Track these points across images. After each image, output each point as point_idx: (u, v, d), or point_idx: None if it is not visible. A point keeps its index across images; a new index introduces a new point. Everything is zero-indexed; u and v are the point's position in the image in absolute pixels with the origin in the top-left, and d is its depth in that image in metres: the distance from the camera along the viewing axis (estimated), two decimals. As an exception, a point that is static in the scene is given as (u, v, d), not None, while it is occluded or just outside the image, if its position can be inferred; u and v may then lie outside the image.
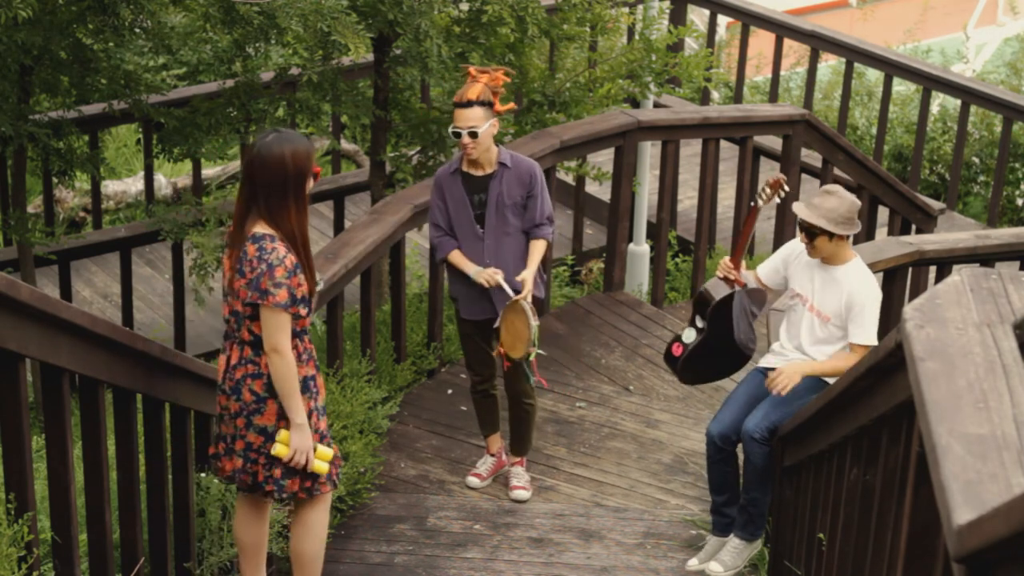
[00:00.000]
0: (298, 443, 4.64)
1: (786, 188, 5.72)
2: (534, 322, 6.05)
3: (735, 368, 6.09)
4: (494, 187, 6.11)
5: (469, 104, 5.92)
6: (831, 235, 5.40)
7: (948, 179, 10.91)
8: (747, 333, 5.91)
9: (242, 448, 4.73)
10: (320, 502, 4.90)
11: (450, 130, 6.03)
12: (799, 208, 5.48)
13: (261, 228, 4.57)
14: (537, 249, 6.22)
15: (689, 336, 5.95)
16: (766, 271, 5.85)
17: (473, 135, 5.95)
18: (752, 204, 5.72)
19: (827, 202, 5.41)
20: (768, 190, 5.69)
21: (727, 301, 5.79)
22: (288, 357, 4.57)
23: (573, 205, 9.10)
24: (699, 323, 5.89)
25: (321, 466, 4.73)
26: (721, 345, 5.88)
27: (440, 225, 6.20)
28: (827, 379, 5.59)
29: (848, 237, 5.46)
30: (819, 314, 5.57)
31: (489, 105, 5.96)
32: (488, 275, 6.10)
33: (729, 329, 5.83)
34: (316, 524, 4.93)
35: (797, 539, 5.34)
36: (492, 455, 6.63)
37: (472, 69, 6.05)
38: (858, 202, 5.50)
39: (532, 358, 6.17)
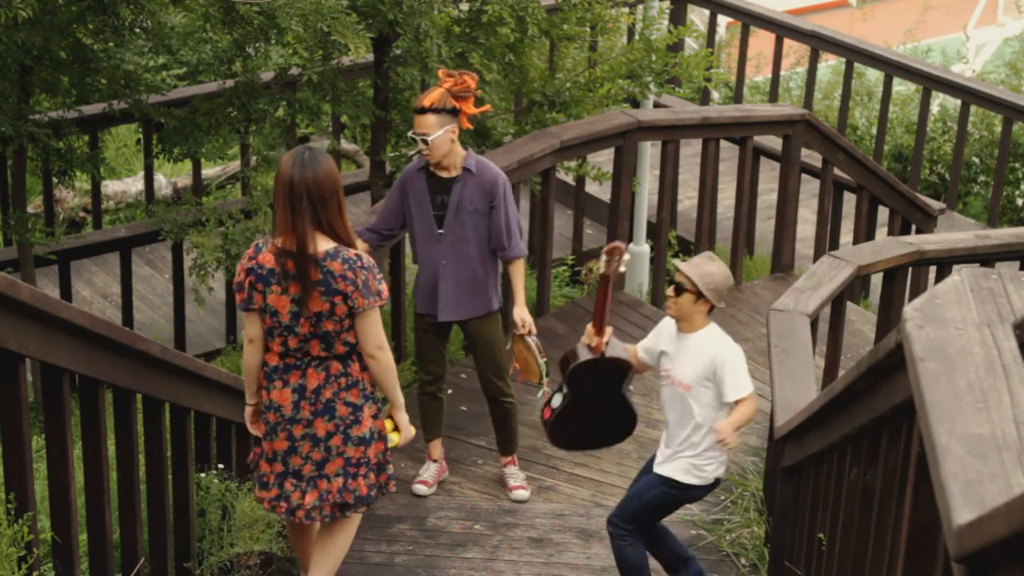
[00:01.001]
0: (405, 421, 4.95)
1: (626, 256, 5.57)
2: (542, 359, 6.15)
3: (617, 438, 5.88)
4: (456, 191, 6.14)
5: (423, 111, 6.00)
6: (697, 296, 5.25)
7: (948, 179, 10.91)
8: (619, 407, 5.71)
9: (340, 466, 4.78)
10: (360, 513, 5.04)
11: (409, 135, 6.15)
12: (681, 263, 5.38)
13: (326, 243, 4.64)
14: (518, 274, 6.30)
15: (556, 401, 5.75)
16: (644, 345, 5.62)
17: (425, 142, 6.01)
18: (597, 274, 5.57)
19: (707, 265, 5.28)
20: (605, 257, 5.55)
21: (588, 366, 5.57)
22: (389, 349, 4.80)
23: (573, 205, 9.10)
24: (564, 388, 5.70)
25: (411, 430, 5.04)
26: (587, 411, 5.67)
27: (379, 213, 6.32)
28: (669, 473, 5.40)
29: (707, 307, 5.29)
30: (679, 383, 5.37)
31: (448, 112, 6.00)
32: None
33: (592, 394, 5.63)
34: (355, 521, 5.06)
35: (797, 539, 5.34)
36: (434, 461, 6.61)
37: (441, 72, 6.09)
38: (731, 281, 5.35)
39: (542, 393, 6.19)
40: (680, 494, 5.39)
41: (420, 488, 6.51)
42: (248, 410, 4.96)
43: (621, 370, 5.64)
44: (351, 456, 4.79)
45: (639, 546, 5.46)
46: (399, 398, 4.90)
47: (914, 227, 9.19)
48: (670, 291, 5.33)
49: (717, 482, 5.46)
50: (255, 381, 4.86)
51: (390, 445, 4.91)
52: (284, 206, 4.62)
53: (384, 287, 4.70)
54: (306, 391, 4.74)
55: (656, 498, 5.40)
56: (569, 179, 9.13)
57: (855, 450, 4.13)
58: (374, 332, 4.69)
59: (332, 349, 4.71)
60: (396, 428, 4.97)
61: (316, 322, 4.65)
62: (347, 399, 4.75)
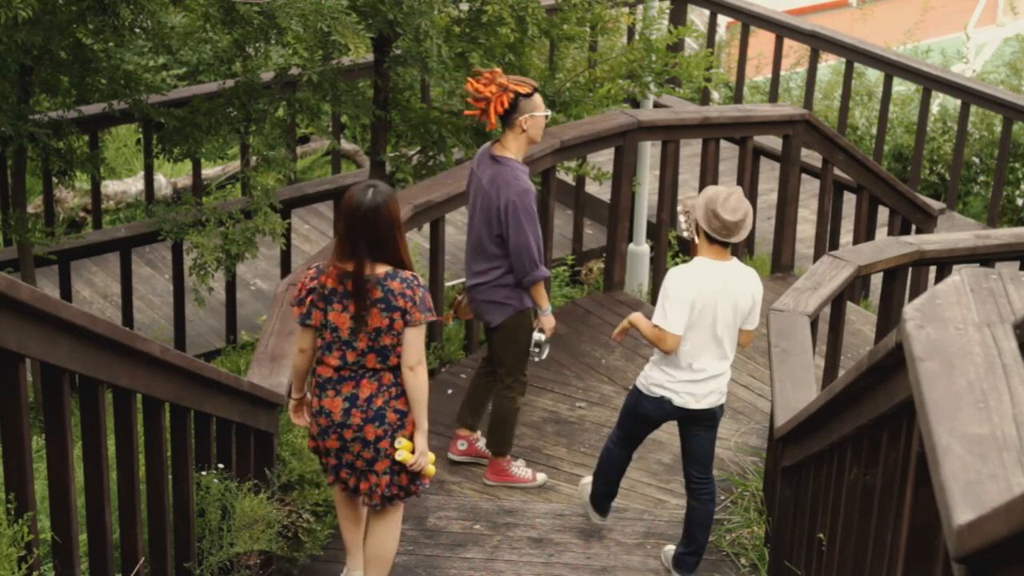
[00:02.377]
0: (424, 447, 5.15)
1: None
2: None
3: None
4: None
5: (538, 90, 6.30)
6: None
7: (948, 179, 10.91)
8: None
9: (387, 465, 5.14)
10: (402, 504, 5.37)
11: (542, 115, 6.26)
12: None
13: (383, 267, 4.99)
14: None
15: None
16: None
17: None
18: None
19: (709, 189, 5.56)
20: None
21: None
22: (426, 367, 5.13)
23: (573, 205, 9.10)
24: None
25: (431, 468, 5.22)
26: None
27: (539, 244, 6.32)
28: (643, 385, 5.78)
29: (700, 232, 5.53)
30: None
31: None
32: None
33: None
34: (398, 523, 5.40)
35: (797, 539, 5.34)
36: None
37: (486, 72, 6.29)
38: (719, 208, 5.44)
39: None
40: (634, 398, 5.79)
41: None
42: (292, 402, 5.33)
43: None
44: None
45: (621, 453, 5.92)
46: (425, 423, 5.14)
47: (914, 227, 9.18)
48: None
49: (666, 404, 5.68)
50: (302, 379, 5.24)
51: (399, 458, 5.10)
52: (344, 234, 5.01)
53: (433, 308, 5.08)
54: (358, 400, 5.07)
55: (624, 401, 5.89)
56: (569, 179, 9.13)
57: (855, 450, 4.13)
58: (418, 346, 5.03)
59: (387, 361, 5.04)
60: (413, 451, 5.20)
61: (375, 336, 4.99)
62: (396, 407, 5.09)
